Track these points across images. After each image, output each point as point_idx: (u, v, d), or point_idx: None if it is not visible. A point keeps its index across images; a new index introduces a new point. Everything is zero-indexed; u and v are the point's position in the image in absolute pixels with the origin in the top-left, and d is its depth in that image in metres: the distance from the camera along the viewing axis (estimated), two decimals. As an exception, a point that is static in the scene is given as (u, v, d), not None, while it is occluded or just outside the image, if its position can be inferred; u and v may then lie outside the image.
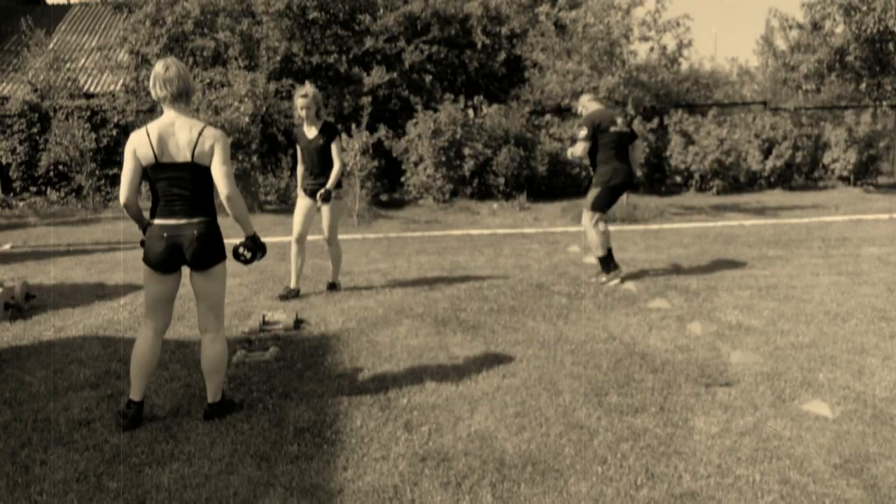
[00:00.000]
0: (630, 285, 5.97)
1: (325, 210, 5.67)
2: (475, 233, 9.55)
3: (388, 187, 13.52)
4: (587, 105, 6.30)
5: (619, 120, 6.16)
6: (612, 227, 9.72)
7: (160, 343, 3.34)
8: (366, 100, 12.91)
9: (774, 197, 13.21)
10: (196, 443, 3.11)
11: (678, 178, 14.06)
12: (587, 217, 6.17)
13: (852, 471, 2.79)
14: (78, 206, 13.08)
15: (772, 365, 4.00)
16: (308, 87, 5.54)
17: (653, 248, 7.94)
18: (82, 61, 16.80)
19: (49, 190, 13.68)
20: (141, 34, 14.45)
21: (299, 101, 5.48)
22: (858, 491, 2.64)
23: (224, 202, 3.19)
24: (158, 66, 3.12)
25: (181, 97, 3.15)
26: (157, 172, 3.12)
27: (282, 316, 5.02)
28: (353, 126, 11.69)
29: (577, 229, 9.70)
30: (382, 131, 12.36)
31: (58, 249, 8.58)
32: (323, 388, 3.73)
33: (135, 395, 3.30)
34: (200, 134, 3.11)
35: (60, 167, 13.55)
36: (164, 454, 3.00)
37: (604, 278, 6.17)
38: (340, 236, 9.32)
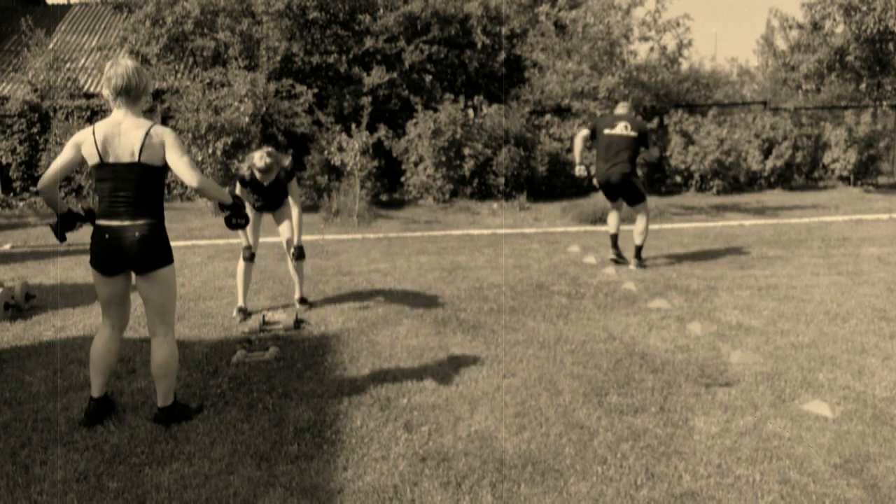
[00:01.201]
0: (630, 285, 5.98)
1: (285, 216, 5.26)
2: (475, 233, 9.55)
3: (388, 187, 13.52)
4: (617, 110, 7.07)
5: (620, 125, 6.73)
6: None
7: (118, 341, 3.34)
8: (366, 100, 12.91)
9: (774, 197, 13.21)
10: (196, 443, 3.11)
11: (678, 178, 14.06)
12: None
13: (852, 471, 2.79)
14: (78, 205, 13.03)
15: (772, 365, 4.00)
16: (266, 157, 4.81)
17: (653, 248, 7.93)
18: (82, 61, 16.79)
19: (49, 190, 13.67)
20: (141, 34, 14.45)
21: (261, 175, 4.86)
22: (858, 491, 2.64)
23: (197, 193, 3.16)
24: (107, 65, 3.11)
25: (123, 93, 3.07)
26: (102, 172, 3.08)
27: (282, 316, 5.03)
28: (353, 126, 11.69)
29: (576, 229, 9.70)
30: (382, 131, 12.36)
31: (58, 249, 8.58)
32: (323, 388, 3.73)
33: (94, 392, 3.31)
34: (147, 133, 3.05)
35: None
36: (164, 454, 3.00)
37: (610, 253, 7.04)
38: (340, 236, 9.35)
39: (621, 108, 6.99)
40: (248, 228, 5.12)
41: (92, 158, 3.07)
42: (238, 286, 5.30)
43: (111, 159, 3.06)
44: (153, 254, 3.15)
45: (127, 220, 3.09)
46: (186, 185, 3.14)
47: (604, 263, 7.02)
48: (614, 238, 7.02)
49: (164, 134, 3.10)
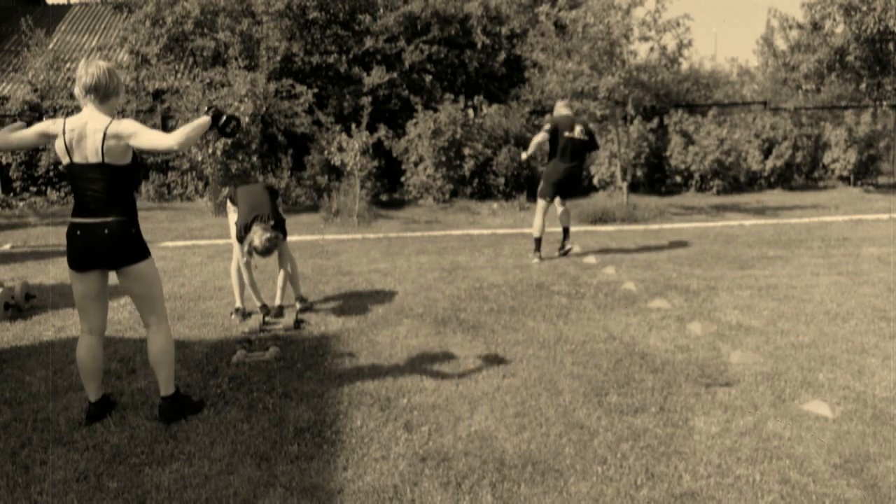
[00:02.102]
0: (630, 285, 5.98)
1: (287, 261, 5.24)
2: (475, 233, 9.55)
3: (388, 187, 13.52)
4: (560, 110, 7.40)
5: (578, 129, 7.19)
6: (610, 228, 9.73)
7: (100, 345, 3.36)
8: (366, 100, 12.91)
9: (774, 197, 13.21)
10: (196, 443, 3.11)
11: (678, 178, 14.07)
12: (538, 203, 7.36)
13: (852, 471, 2.79)
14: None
15: (772, 365, 4.00)
16: (266, 241, 4.57)
17: (653, 248, 7.93)
18: (82, 61, 16.79)
19: (49, 190, 13.69)
20: (141, 34, 14.45)
21: (258, 256, 4.68)
22: (858, 491, 2.65)
23: (180, 150, 3.15)
24: (80, 64, 3.18)
25: (91, 92, 3.13)
26: (72, 171, 3.15)
27: (282, 316, 5.03)
28: (353, 126, 11.70)
29: (576, 229, 9.70)
30: (382, 131, 12.36)
31: (58, 249, 8.58)
32: (323, 388, 3.73)
33: (91, 397, 3.38)
34: (105, 136, 3.07)
35: (60, 167, 13.56)
36: (164, 454, 3.00)
37: (533, 257, 7.27)
38: (340, 236, 9.35)
39: (571, 110, 7.45)
40: (238, 284, 5.17)
41: (63, 158, 3.14)
42: (234, 287, 5.27)
43: (79, 159, 3.12)
44: (124, 249, 3.19)
45: (97, 218, 3.15)
46: (168, 152, 3.13)
47: (603, 263, 7.02)
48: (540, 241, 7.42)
49: (121, 129, 3.09)
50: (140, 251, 3.26)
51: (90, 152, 3.10)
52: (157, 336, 3.32)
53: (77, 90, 3.16)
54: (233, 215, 5.12)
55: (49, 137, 3.14)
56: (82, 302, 3.29)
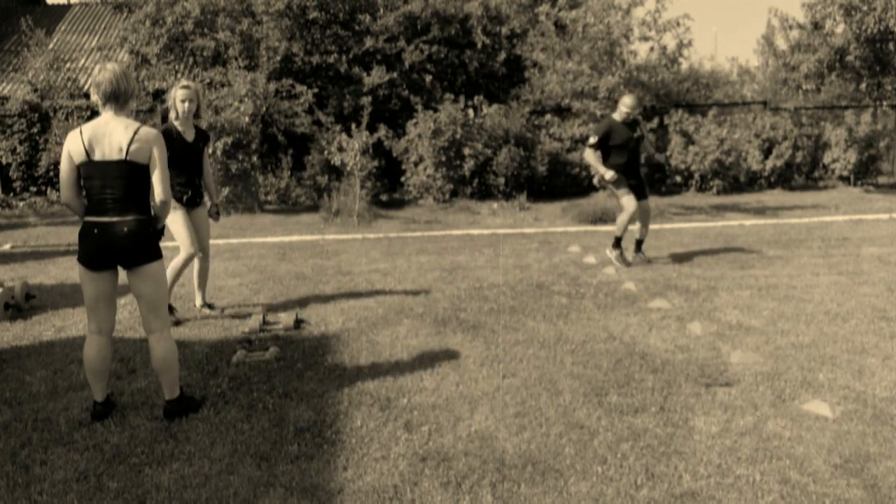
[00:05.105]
0: (630, 285, 5.98)
1: (203, 219, 5.16)
2: (475, 233, 9.55)
3: (388, 187, 13.51)
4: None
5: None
6: (610, 227, 9.73)
7: (109, 345, 3.39)
8: (366, 100, 12.91)
9: (774, 197, 13.21)
10: (196, 443, 3.11)
11: (678, 178, 14.06)
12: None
13: (852, 471, 2.79)
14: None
15: (772, 365, 4.00)
16: (188, 80, 5.03)
17: (653, 248, 7.94)
18: (82, 61, 16.78)
19: (49, 190, 13.68)
20: (141, 34, 14.45)
21: (180, 93, 4.80)
22: (858, 491, 2.65)
23: (157, 205, 3.24)
24: (95, 69, 3.21)
25: (112, 99, 3.17)
26: (90, 169, 3.16)
27: (282, 316, 5.03)
28: (353, 126, 11.69)
29: (576, 229, 9.70)
30: (382, 131, 12.36)
31: (58, 249, 8.58)
32: (323, 388, 3.73)
33: (98, 397, 3.39)
34: (136, 132, 3.13)
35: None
36: (164, 454, 3.01)
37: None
38: (340, 236, 9.35)
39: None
40: (189, 228, 4.89)
41: (79, 156, 3.15)
42: (195, 287, 5.27)
43: (98, 157, 3.14)
44: (141, 248, 3.21)
45: (115, 216, 3.16)
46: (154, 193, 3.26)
47: (603, 263, 7.02)
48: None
49: (154, 139, 3.18)
50: (155, 251, 3.29)
51: (112, 149, 3.13)
52: (161, 342, 3.32)
53: (95, 97, 3.19)
54: (180, 212, 4.89)
55: (74, 157, 3.15)
56: (94, 302, 3.29)
